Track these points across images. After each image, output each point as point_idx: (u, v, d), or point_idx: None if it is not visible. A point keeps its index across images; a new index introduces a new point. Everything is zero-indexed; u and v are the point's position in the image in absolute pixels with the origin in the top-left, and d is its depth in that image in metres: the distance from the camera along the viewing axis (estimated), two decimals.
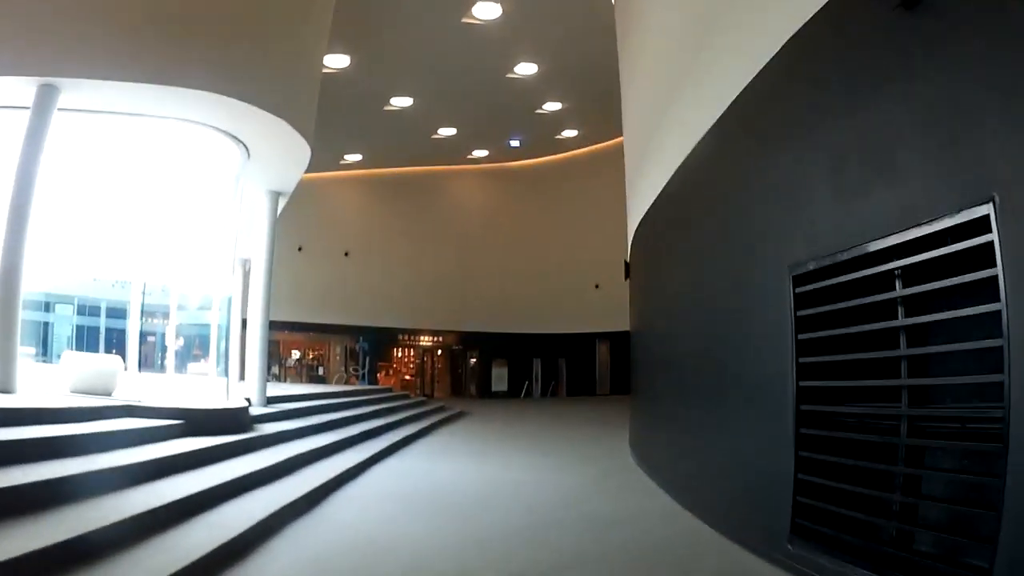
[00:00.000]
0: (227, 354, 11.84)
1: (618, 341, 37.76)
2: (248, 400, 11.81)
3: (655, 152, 11.13)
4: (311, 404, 13.99)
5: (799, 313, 5.23)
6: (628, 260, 14.83)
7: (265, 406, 12.42)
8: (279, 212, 14.25)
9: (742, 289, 6.37)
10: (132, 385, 10.63)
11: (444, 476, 10.32)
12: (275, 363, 33.70)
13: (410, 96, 26.29)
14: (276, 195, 13.45)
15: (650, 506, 8.17)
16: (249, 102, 10.00)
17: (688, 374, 8.31)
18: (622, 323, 36.74)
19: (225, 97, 9.80)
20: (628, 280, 14.77)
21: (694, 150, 8.16)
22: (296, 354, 34.91)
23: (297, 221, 33.00)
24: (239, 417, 10.19)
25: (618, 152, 35.47)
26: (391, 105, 26.89)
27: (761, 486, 5.81)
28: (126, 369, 11.10)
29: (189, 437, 8.57)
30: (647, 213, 11.58)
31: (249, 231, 13.76)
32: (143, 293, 12.88)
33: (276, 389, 16.62)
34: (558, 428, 19.29)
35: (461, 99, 27.03)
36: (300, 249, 33.44)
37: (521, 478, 10.33)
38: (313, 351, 35.42)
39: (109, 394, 10.22)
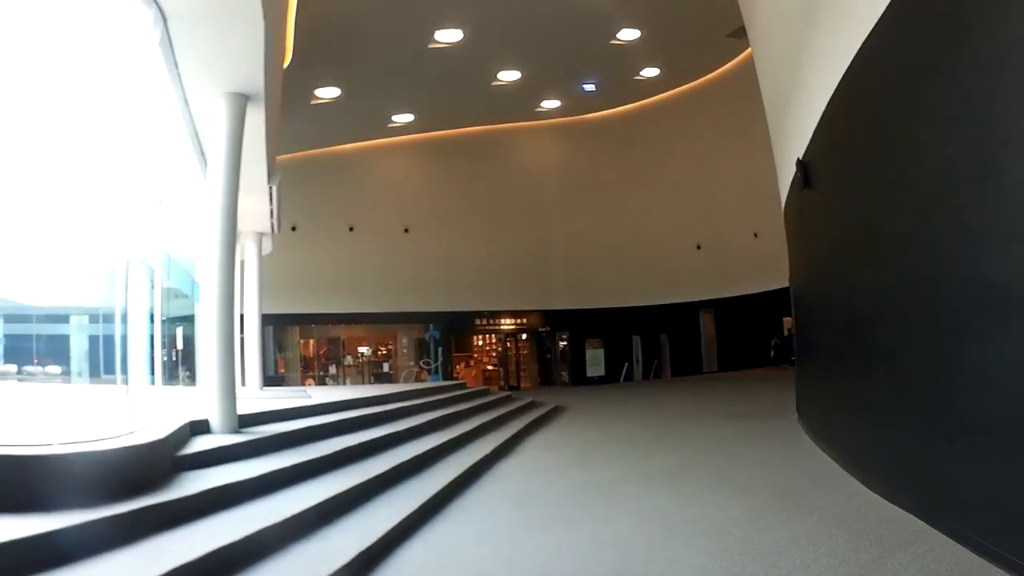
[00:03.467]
0: (126, 355, 7.10)
1: (724, 309, 33.03)
2: (192, 425, 7.16)
3: None
4: (324, 420, 9.21)
5: None
6: (804, 159, 9.74)
7: (234, 432, 7.65)
8: (261, 131, 9.51)
9: None
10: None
11: None
12: (333, 363, 29.41)
13: (458, 26, 21.34)
14: (242, 99, 8.58)
15: None
16: None
17: None
18: (728, 287, 31.87)
19: None
20: (806, 189, 9.72)
21: None
22: (365, 351, 30.45)
23: (346, 197, 28.82)
24: (144, 462, 5.52)
25: (706, 94, 30.73)
26: (437, 41, 21.99)
27: None
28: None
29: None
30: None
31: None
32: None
33: (293, 398, 11.95)
34: (695, 426, 13.91)
35: (520, 27, 21.93)
36: (351, 229, 28.83)
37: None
38: (378, 345, 30.88)
39: None
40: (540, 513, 7.12)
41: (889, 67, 6.18)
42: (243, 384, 15.56)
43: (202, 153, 10.35)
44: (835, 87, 7.69)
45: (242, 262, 16.21)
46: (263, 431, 7.89)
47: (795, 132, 10.58)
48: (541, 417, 16.04)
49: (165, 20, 7.14)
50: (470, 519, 6.92)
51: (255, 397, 12.95)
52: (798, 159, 9.91)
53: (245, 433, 7.67)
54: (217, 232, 8.00)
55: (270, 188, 12.12)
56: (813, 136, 9.16)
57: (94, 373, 9.97)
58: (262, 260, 15.79)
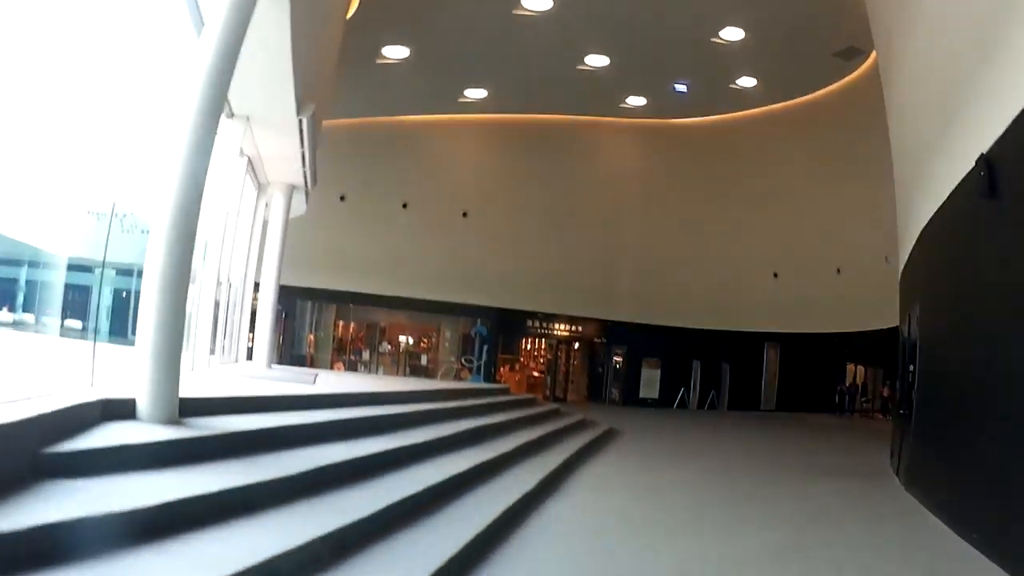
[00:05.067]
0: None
1: (791, 345, 30.59)
2: (107, 405, 4.90)
3: None
4: (316, 418, 6.91)
5: None
6: (987, 155, 7.17)
7: (169, 422, 5.32)
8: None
9: None
10: None
11: None
12: (368, 349, 27.33)
13: None
14: None
15: None
16: None
17: None
18: (800, 322, 29.02)
19: None
20: (987, 198, 7.18)
21: None
22: (406, 339, 28.33)
23: (402, 172, 26.56)
24: None
25: (803, 115, 27.46)
26: (523, 7, 19.65)
27: None
28: None
29: None
30: None
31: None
32: None
33: (294, 383, 9.71)
34: (781, 481, 11.37)
35: (617, 3, 19.59)
36: (405, 206, 26.63)
37: None
38: (419, 335, 28.69)
39: None
40: None
41: None
42: (249, 359, 13.47)
43: None
44: None
45: (265, 220, 14.07)
46: (213, 425, 5.56)
47: (964, 128, 8.06)
48: (594, 441, 13.53)
49: None
50: None
51: (253, 376, 10.79)
52: (981, 156, 7.33)
53: (184, 425, 5.34)
54: (186, 134, 5.56)
55: (299, 122, 9.81)
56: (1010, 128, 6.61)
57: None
58: (288, 221, 13.51)
